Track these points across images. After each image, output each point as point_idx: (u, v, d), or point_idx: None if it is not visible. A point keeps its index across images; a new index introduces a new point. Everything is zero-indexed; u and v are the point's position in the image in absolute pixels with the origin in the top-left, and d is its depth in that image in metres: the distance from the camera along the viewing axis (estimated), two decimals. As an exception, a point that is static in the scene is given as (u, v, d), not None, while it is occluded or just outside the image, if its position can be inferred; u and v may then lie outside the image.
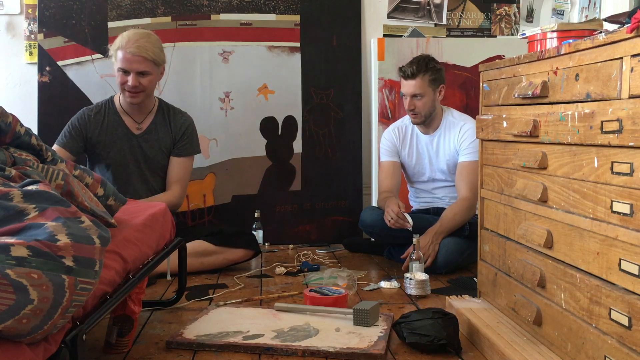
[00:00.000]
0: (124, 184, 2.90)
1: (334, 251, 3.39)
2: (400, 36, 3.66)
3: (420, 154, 3.13)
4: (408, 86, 2.96)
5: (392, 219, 2.81)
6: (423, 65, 2.94)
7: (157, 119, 2.98)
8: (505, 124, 1.90)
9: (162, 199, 2.84)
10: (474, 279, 2.36)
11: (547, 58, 1.67)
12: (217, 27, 3.52)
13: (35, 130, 3.27)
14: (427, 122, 3.05)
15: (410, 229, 2.77)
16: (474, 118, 2.51)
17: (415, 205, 3.24)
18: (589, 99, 1.46)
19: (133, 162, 2.94)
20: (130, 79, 2.79)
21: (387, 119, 3.55)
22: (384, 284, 2.62)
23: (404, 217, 2.81)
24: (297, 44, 3.60)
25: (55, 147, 2.91)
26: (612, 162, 1.35)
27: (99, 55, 3.45)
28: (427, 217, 3.02)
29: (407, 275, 2.50)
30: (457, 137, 3.01)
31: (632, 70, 1.29)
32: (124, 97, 2.89)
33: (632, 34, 1.28)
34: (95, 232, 1.34)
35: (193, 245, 2.77)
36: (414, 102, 2.97)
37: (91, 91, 3.44)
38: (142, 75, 2.80)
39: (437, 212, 3.03)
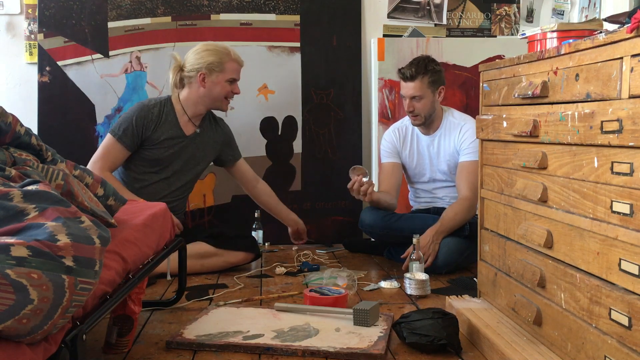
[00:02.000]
0: (162, 180, 2.94)
1: (334, 251, 3.39)
2: (400, 36, 3.66)
3: (420, 155, 3.13)
4: (407, 88, 2.97)
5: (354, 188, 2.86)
6: (422, 68, 2.94)
7: (205, 124, 3.06)
8: (505, 124, 1.90)
9: (279, 203, 3.27)
10: (474, 279, 2.36)
11: (547, 58, 1.67)
12: (217, 27, 3.52)
13: (35, 130, 3.27)
14: (428, 123, 3.05)
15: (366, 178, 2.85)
16: (474, 118, 2.51)
17: (415, 205, 3.24)
18: (589, 99, 1.46)
19: (178, 162, 2.97)
20: (236, 87, 2.99)
21: (387, 119, 3.55)
22: (384, 284, 2.62)
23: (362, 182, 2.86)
24: (297, 44, 3.60)
25: (111, 140, 2.86)
26: (612, 162, 1.35)
27: (99, 55, 3.45)
28: (427, 216, 3.02)
29: (407, 275, 2.50)
30: (457, 137, 3.01)
31: (632, 70, 1.29)
32: (221, 105, 2.99)
33: (632, 34, 1.28)
34: (95, 232, 1.34)
35: (193, 247, 2.77)
36: (413, 104, 2.97)
37: (91, 91, 3.44)
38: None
39: (438, 211, 3.03)
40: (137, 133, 2.87)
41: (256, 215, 3.39)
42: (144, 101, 2.97)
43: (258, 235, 3.34)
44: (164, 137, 2.92)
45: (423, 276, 2.48)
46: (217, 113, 3.15)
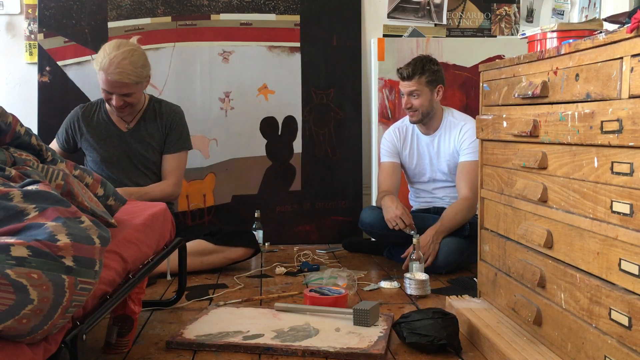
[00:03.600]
0: (115, 180, 2.90)
1: (334, 251, 3.39)
2: (400, 36, 3.66)
3: (420, 155, 3.13)
4: (405, 86, 3.00)
5: (395, 222, 2.84)
6: (419, 68, 2.96)
7: (147, 115, 3.01)
8: (505, 124, 1.90)
9: (155, 188, 2.91)
10: (474, 279, 2.36)
11: (547, 58, 1.67)
12: (217, 27, 3.52)
13: (35, 130, 3.27)
14: (427, 121, 3.05)
15: (411, 233, 2.77)
16: (474, 118, 2.51)
17: (415, 205, 3.24)
18: (589, 99, 1.46)
19: (124, 158, 2.96)
20: (114, 100, 2.83)
21: (387, 119, 3.55)
22: (384, 284, 2.62)
23: (408, 220, 2.82)
24: (297, 44, 3.60)
25: (54, 147, 2.95)
26: (612, 162, 1.35)
27: (99, 55, 3.45)
28: (427, 216, 3.02)
29: (407, 275, 2.50)
30: (457, 137, 3.01)
31: (632, 70, 1.29)
32: (113, 110, 2.94)
33: (632, 34, 1.28)
34: (95, 232, 1.34)
35: (193, 245, 2.77)
36: (410, 100, 2.99)
37: (91, 91, 3.44)
38: (126, 95, 2.83)
39: (438, 211, 3.03)
40: (69, 134, 3.00)
41: (256, 215, 3.39)
42: (79, 105, 3.05)
43: (258, 235, 3.34)
44: (99, 136, 2.95)
45: (423, 276, 2.48)
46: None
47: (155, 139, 3.00)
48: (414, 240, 2.63)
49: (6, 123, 1.66)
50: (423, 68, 2.96)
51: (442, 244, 2.83)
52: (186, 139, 3.06)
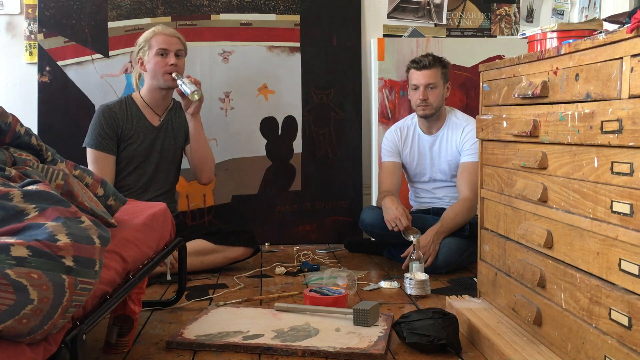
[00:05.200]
0: (144, 175, 2.95)
1: (334, 251, 3.39)
2: (400, 36, 3.66)
3: (421, 154, 3.13)
4: (422, 76, 2.97)
5: (394, 223, 2.84)
6: (437, 59, 2.99)
7: (173, 112, 3.06)
8: (505, 124, 1.90)
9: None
10: (474, 279, 2.36)
11: (547, 58, 1.67)
12: (217, 27, 3.52)
13: (35, 130, 3.27)
14: (432, 120, 3.06)
15: (411, 239, 2.76)
16: (475, 118, 2.51)
17: (415, 205, 3.24)
18: (589, 99, 1.46)
19: (155, 153, 2.99)
20: (170, 58, 2.90)
21: (387, 119, 3.55)
22: (384, 284, 2.62)
23: (406, 222, 2.82)
24: (297, 44, 3.60)
25: (92, 153, 2.89)
26: (612, 162, 1.35)
27: (99, 55, 3.45)
28: (428, 217, 3.02)
29: (407, 275, 2.50)
30: (459, 137, 3.02)
31: (632, 70, 1.29)
32: (163, 82, 2.93)
33: (632, 34, 1.28)
34: (95, 232, 1.34)
35: (192, 245, 2.78)
36: (427, 93, 2.97)
37: (91, 91, 3.44)
38: (178, 57, 2.93)
39: (438, 212, 3.03)
40: (110, 134, 2.91)
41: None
42: (102, 105, 3.00)
43: None
44: (134, 131, 2.95)
45: (423, 276, 2.48)
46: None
47: (181, 133, 3.06)
48: (414, 240, 2.63)
49: (6, 123, 1.66)
50: (441, 61, 2.99)
51: (442, 244, 2.83)
52: None
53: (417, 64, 2.98)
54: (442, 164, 3.08)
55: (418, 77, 2.98)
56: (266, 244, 3.43)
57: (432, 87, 2.97)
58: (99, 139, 2.89)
